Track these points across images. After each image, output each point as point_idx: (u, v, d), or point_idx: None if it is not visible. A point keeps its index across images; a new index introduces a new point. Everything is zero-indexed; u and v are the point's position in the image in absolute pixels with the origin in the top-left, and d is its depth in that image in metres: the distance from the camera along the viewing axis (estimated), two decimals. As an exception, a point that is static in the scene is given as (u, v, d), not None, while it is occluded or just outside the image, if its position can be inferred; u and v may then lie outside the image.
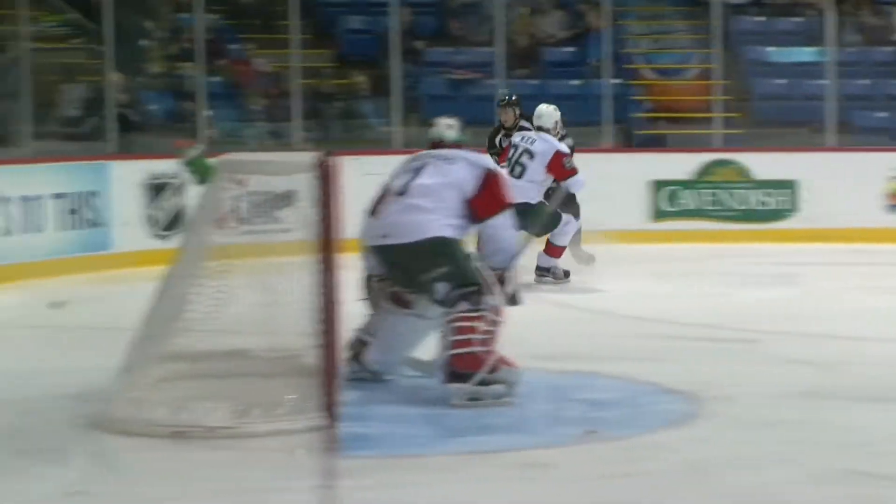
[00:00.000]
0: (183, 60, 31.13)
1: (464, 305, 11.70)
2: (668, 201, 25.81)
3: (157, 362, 11.44)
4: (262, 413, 10.85)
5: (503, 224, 12.28)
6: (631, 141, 26.41)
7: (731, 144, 26.89)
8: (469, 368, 11.67)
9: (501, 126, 27.66)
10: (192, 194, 16.25)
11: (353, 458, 10.44)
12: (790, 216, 25.29)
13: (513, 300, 12.60)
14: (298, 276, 11.42)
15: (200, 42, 32.77)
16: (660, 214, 25.77)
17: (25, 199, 21.76)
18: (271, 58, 32.97)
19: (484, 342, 11.83)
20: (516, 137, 23.08)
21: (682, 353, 15.40)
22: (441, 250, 11.77)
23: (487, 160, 12.90)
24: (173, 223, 17.62)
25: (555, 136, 23.80)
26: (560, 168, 16.57)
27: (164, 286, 11.69)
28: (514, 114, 25.91)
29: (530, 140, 21.64)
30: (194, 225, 12.57)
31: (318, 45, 34.33)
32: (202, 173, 13.74)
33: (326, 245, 10.74)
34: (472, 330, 11.74)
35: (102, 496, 9.42)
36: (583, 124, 26.44)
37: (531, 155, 20.17)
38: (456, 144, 12.78)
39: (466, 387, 11.63)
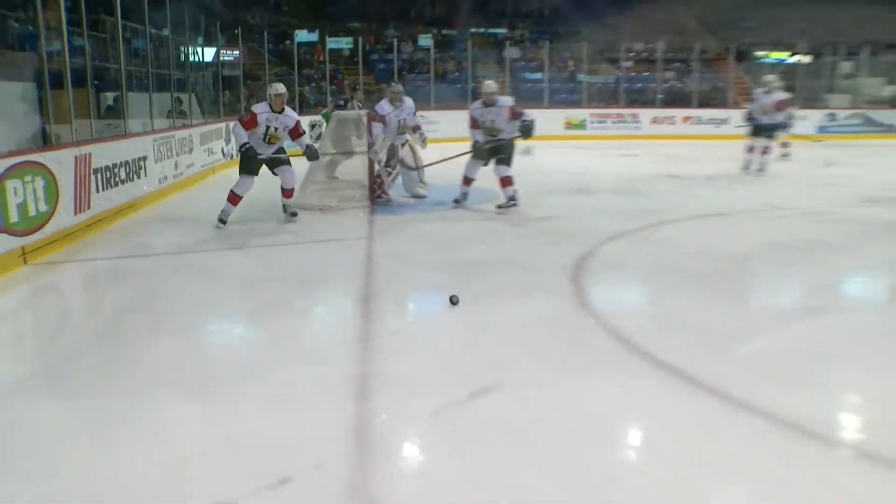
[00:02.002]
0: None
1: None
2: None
3: (312, 183, 11.12)
4: (348, 201, 10.67)
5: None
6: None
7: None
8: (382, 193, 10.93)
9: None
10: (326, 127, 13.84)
11: (381, 218, 10.02)
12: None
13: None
14: (362, 154, 10.92)
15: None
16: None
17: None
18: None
19: (384, 183, 10.96)
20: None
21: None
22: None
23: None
24: (318, 137, 15.79)
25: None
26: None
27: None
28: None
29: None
30: (324, 137, 11.84)
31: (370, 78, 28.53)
32: (327, 119, 13.26)
33: (370, 144, 10.52)
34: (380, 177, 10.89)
35: (293, 229, 9.25)
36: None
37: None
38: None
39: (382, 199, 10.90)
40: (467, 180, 10.83)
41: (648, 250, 8.38)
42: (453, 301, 4.96)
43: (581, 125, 25.88)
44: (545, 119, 24.99)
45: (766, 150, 14.93)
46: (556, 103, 27.16)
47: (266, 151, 9.64)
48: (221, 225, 9.29)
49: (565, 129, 25.49)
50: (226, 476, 3.44)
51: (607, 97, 28.40)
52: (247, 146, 9.39)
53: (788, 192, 12.66)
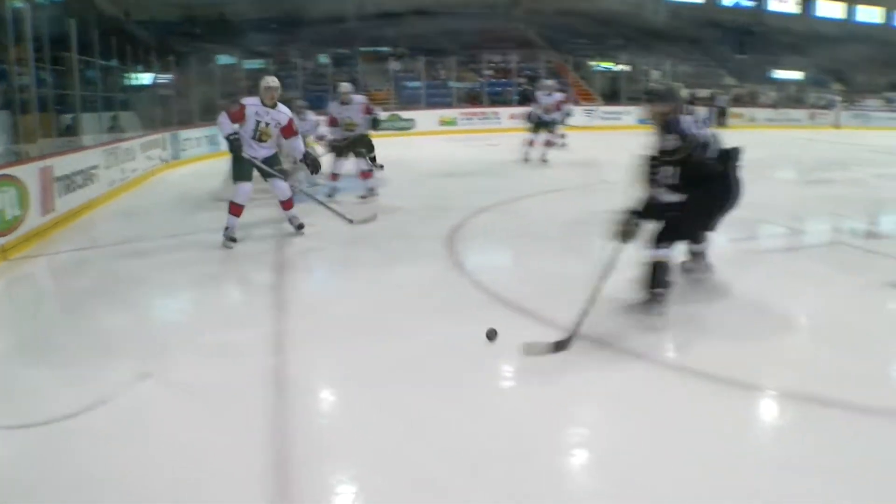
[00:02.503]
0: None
1: None
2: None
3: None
4: (263, 193, 9.67)
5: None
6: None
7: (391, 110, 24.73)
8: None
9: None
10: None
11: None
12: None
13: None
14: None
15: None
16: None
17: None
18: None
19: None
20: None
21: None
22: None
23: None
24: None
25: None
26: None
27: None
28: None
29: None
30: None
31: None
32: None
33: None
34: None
35: (216, 218, 8.59)
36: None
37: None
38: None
39: None
40: (334, 176, 10.07)
41: (508, 220, 8.64)
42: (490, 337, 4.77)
43: (453, 122, 25.87)
44: (424, 118, 25.63)
45: (548, 142, 14.73)
46: (431, 105, 27.37)
47: (258, 152, 7.43)
48: (231, 244, 7.33)
49: (440, 125, 25.39)
50: (168, 414, 3.51)
51: (473, 99, 28.89)
52: (235, 136, 7.17)
53: (616, 170, 13.01)
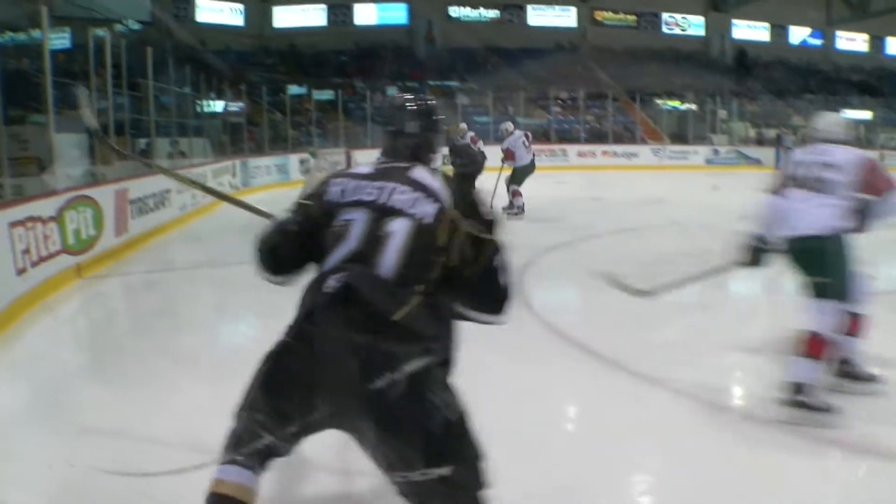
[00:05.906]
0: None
1: None
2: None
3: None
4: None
5: None
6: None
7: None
8: None
9: None
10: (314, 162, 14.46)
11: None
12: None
13: None
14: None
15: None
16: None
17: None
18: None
19: None
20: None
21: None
22: None
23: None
24: (307, 171, 15.33)
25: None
26: None
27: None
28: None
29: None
30: (313, 170, 11.41)
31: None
32: (314, 155, 13.23)
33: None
34: None
35: None
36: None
37: None
38: None
39: None
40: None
41: (577, 258, 8.50)
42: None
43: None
44: (493, 153, 25.37)
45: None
46: (499, 141, 27.43)
47: None
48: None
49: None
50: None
51: (541, 136, 28.89)
52: None
53: (687, 211, 12.87)
